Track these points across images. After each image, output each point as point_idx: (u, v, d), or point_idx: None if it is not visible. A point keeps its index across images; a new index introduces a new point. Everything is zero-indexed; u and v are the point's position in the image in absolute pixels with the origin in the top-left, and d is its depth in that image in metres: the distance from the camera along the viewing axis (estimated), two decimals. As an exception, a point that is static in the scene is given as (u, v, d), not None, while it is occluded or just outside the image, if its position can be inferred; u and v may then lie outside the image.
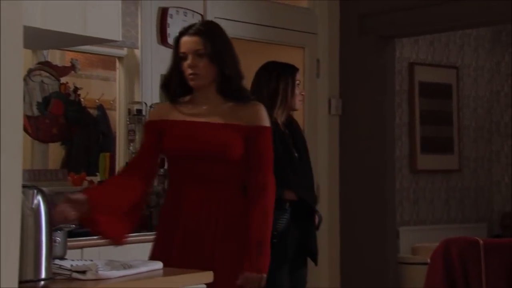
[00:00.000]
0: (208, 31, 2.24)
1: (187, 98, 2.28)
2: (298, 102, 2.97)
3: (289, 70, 3.02)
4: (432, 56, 5.34)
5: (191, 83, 2.22)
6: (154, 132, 2.27)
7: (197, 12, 3.81)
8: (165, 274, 1.73)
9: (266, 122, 2.24)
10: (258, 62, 4.26)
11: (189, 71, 2.20)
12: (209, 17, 3.88)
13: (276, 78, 2.97)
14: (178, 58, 2.24)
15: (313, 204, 2.94)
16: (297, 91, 2.97)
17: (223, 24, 4.07)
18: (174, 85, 2.25)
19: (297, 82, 2.99)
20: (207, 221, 2.16)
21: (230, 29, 4.11)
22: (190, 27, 2.27)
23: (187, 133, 2.21)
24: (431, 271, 3.03)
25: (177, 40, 2.25)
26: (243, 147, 2.19)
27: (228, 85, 2.22)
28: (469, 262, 2.92)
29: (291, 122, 2.99)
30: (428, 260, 3.13)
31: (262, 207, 2.17)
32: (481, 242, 2.96)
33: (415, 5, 4.16)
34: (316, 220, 2.98)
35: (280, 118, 2.95)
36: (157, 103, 2.45)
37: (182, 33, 2.25)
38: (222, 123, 2.21)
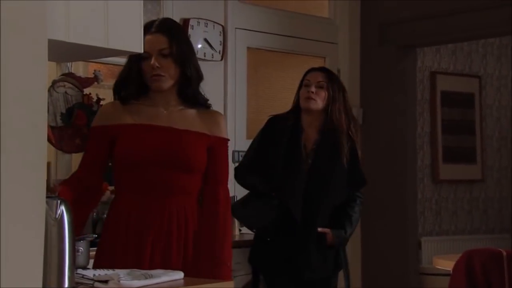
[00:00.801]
0: (171, 29, 2.08)
1: (140, 100, 2.08)
2: (302, 101, 2.96)
3: (304, 73, 3.06)
4: (454, 65, 5.30)
5: (155, 84, 2.04)
6: (104, 140, 2.04)
7: (218, 23, 3.84)
8: (186, 284, 1.74)
9: (226, 133, 2.13)
10: (279, 72, 4.28)
11: (152, 72, 2.03)
12: (230, 28, 3.91)
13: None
14: (137, 58, 2.04)
15: (298, 214, 2.83)
16: (302, 90, 2.98)
17: (244, 34, 4.14)
18: (131, 87, 2.06)
19: (305, 81, 2.98)
20: (174, 234, 2.01)
21: (251, 40, 4.16)
22: (150, 25, 2.08)
23: (146, 137, 2.02)
24: (453, 282, 2.99)
25: None
26: (206, 156, 2.06)
27: (187, 87, 2.07)
28: (492, 273, 2.88)
29: (327, 131, 2.93)
30: (450, 271, 3.09)
31: (222, 227, 2.05)
32: (504, 253, 2.92)
33: (436, 14, 4.14)
34: (328, 237, 2.89)
35: (304, 119, 2.95)
36: (107, 104, 2.17)
37: (144, 31, 2.01)
38: (187, 130, 2.04)
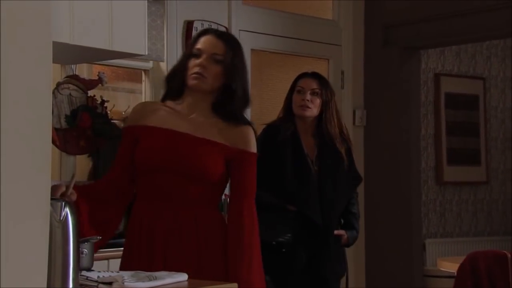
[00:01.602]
0: (234, 41, 2.07)
1: (174, 103, 2.05)
2: (296, 109, 2.94)
3: (293, 80, 3.04)
4: (459, 67, 5.30)
5: (192, 82, 1.99)
6: (130, 140, 2.02)
7: (222, 25, 3.84)
8: (190, 286, 1.74)
9: (253, 148, 2.02)
10: (283, 73, 4.28)
11: (196, 69, 1.98)
12: (234, 30, 3.92)
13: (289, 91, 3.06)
14: (188, 55, 2.02)
15: (319, 220, 2.85)
16: (295, 96, 2.96)
17: (248, 36, 4.15)
18: (176, 82, 2.03)
19: (298, 88, 2.95)
20: (187, 245, 1.96)
21: (255, 42, 4.17)
22: (213, 29, 2.13)
23: (162, 143, 1.98)
24: (458, 284, 2.99)
25: (198, 36, 2.05)
26: (224, 168, 1.99)
27: (229, 103, 2.00)
28: (497, 276, 2.88)
29: (325, 135, 2.93)
30: (455, 273, 3.09)
31: (242, 244, 1.96)
32: (509, 255, 2.92)
33: (440, 16, 4.14)
34: (344, 238, 2.94)
35: (299, 126, 2.95)
36: (139, 104, 2.18)
37: (207, 31, 2.07)
38: (204, 139, 1.98)
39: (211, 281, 1.85)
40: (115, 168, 2.08)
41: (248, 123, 2.05)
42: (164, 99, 2.08)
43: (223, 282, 1.85)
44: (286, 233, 2.83)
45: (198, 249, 1.99)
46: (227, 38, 2.06)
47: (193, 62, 2.01)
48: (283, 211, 2.85)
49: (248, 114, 4.01)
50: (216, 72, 2.00)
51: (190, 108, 2.03)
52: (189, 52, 2.03)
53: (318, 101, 2.93)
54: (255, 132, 2.06)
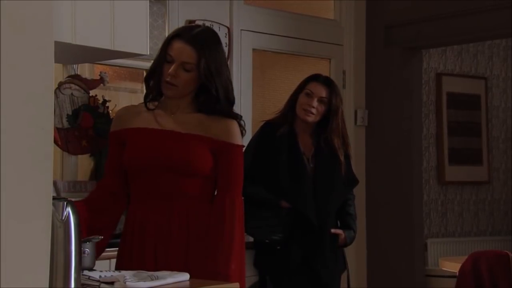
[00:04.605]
0: (205, 44, 2.01)
1: (156, 103, 2.08)
2: (300, 111, 2.94)
3: (304, 79, 3.03)
4: (460, 66, 5.29)
5: (165, 91, 2.03)
6: (118, 145, 2.06)
7: (224, 25, 3.84)
8: (192, 285, 1.74)
9: (237, 140, 2.02)
10: (284, 73, 4.28)
11: (168, 78, 2.00)
12: (236, 29, 3.92)
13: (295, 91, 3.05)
14: (164, 57, 2.02)
15: (313, 217, 2.86)
16: (302, 98, 2.95)
17: (249, 36, 4.15)
18: (154, 83, 2.06)
19: (307, 91, 2.95)
20: (177, 240, 1.98)
21: (257, 41, 4.17)
22: (187, 31, 2.05)
23: (148, 142, 2.02)
24: (459, 285, 2.99)
25: (170, 39, 2.03)
26: (212, 161, 2.01)
27: (213, 102, 2.02)
28: (499, 275, 2.89)
29: (320, 136, 2.95)
30: (457, 273, 3.09)
31: (226, 237, 1.95)
32: (511, 255, 2.92)
33: (442, 16, 4.14)
34: (341, 238, 2.94)
35: (299, 125, 2.95)
36: (122, 109, 2.20)
37: (179, 34, 2.03)
38: (189, 134, 2.01)
39: (211, 280, 1.85)
40: (107, 175, 2.12)
41: (234, 117, 2.06)
42: (146, 101, 2.08)
43: (223, 282, 1.85)
44: (279, 231, 2.84)
45: (187, 243, 2.00)
46: (197, 43, 2.00)
47: (166, 67, 2.02)
48: (276, 209, 2.86)
49: (249, 113, 4.04)
50: (186, 80, 2.00)
51: (172, 107, 2.06)
52: (163, 56, 2.03)
53: (323, 108, 2.94)
54: (242, 126, 2.07)
